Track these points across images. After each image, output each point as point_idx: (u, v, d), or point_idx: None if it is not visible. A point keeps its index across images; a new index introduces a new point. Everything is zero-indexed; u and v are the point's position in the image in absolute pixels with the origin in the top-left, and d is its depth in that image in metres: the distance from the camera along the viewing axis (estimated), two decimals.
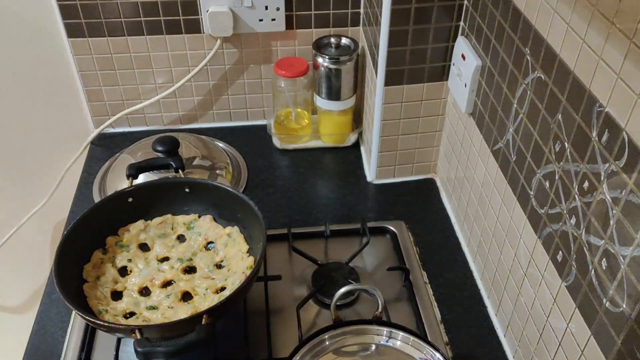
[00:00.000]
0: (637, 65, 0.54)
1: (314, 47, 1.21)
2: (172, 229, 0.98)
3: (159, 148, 1.09)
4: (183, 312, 0.86)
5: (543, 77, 0.73)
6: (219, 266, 0.93)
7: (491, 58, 0.89)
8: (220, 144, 1.30)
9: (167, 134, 1.17)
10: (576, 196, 0.67)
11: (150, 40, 1.23)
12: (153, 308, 0.88)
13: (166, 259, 0.95)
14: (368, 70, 1.18)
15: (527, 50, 0.76)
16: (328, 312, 0.89)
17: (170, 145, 1.11)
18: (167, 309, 0.87)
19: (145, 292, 0.91)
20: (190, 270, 0.93)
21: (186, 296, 0.90)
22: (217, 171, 1.18)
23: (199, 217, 0.99)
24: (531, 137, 0.77)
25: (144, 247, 0.97)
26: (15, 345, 1.05)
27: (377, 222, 1.12)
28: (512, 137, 0.83)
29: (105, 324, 0.79)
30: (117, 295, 0.90)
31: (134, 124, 1.36)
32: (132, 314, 0.88)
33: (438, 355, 0.79)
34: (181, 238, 0.98)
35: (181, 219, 0.99)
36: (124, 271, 0.93)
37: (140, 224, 0.98)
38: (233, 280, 0.89)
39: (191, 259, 0.94)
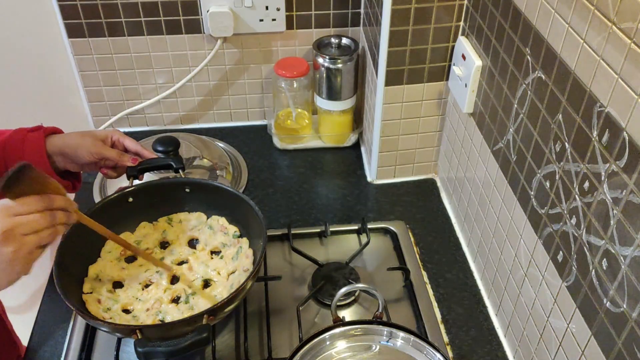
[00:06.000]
0: (637, 65, 0.54)
1: (315, 47, 1.21)
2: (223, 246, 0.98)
3: (160, 148, 1.10)
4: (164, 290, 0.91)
5: (543, 77, 0.73)
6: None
7: (491, 58, 0.89)
8: (221, 144, 1.30)
9: (167, 134, 1.17)
10: (576, 196, 0.67)
11: (150, 40, 1.23)
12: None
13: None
14: (368, 70, 1.18)
15: (528, 50, 0.76)
16: (328, 312, 0.89)
17: (170, 145, 1.11)
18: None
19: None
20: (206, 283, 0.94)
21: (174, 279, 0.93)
22: (218, 171, 1.18)
23: (240, 236, 0.98)
24: (531, 137, 0.77)
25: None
26: None
27: (377, 222, 1.12)
28: (513, 137, 0.83)
29: (105, 323, 0.79)
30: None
31: (134, 124, 1.36)
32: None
33: (438, 355, 0.79)
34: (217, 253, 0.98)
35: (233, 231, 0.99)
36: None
37: (202, 216, 1.00)
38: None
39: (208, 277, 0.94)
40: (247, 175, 1.23)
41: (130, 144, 0.96)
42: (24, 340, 0.96)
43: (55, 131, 0.93)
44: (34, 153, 0.87)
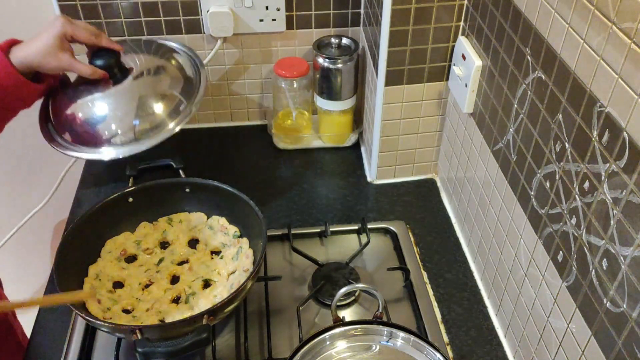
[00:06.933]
0: (637, 65, 0.54)
1: (315, 47, 1.21)
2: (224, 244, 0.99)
3: (98, 62, 0.97)
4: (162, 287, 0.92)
5: (543, 77, 0.73)
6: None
7: (492, 58, 0.89)
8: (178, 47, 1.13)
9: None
10: (577, 196, 0.67)
11: None
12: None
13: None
14: (368, 70, 1.18)
15: (528, 50, 0.76)
16: (328, 312, 0.89)
17: (111, 57, 0.98)
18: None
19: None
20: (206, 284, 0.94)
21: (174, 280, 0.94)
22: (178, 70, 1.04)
23: (240, 236, 0.98)
24: (532, 137, 0.77)
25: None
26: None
27: (377, 222, 1.12)
28: (513, 137, 0.83)
29: (106, 323, 0.79)
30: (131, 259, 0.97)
31: None
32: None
33: (438, 355, 0.79)
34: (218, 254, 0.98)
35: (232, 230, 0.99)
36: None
37: (202, 216, 1.01)
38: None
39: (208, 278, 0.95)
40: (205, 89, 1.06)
41: (84, 37, 0.94)
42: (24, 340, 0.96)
43: (14, 42, 0.90)
44: (1, 70, 0.87)
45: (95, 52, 0.97)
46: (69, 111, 0.97)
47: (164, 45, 1.12)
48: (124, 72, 0.99)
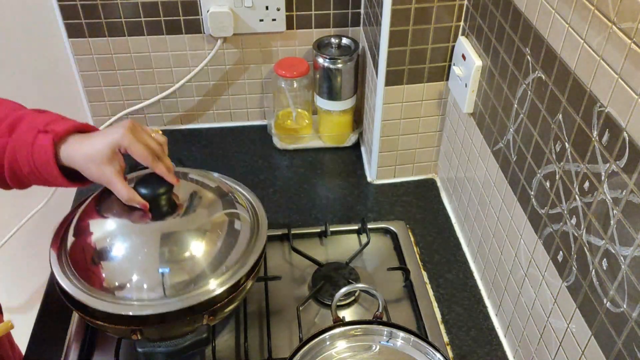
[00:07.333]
0: (637, 65, 0.54)
1: (315, 47, 1.21)
2: None
3: (143, 191, 0.80)
4: None
5: (543, 77, 0.73)
6: None
7: (492, 58, 0.89)
8: (241, 190, 0.96)
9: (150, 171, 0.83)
10: (577, 196, 0.67)
11: (150, 40, 1.23)
12: None
13: None
14: (368, 70, 1.18)
15: (528, 51, 0.76)
16: (328, 312, 0.89)
17: (159, 186, 0.81)
18: None
19: None
20: None
21: None
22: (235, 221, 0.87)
23: None
24: (532, 137, 0.77)
25: None
26: None
27: (377, 222, 1.12)
28: (513, 137, 0.83)
29: (105, 324, 0.79)
30: None
31: None
32: None
33: (438, 355, 0.79)
34: None
35: None
36: None
37: None
38: None
39: None
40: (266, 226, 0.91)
41: (139, 156, 0.79)
42: (24, 340, 0.96)
43: (68, 130, 0.79)
44: (45, 164, 0.78)
45: (148, 175, 0.82)
46: (84, 232, 0.82)
47: (229, 187, 0.93)
48: (171, 208, 0.82)
